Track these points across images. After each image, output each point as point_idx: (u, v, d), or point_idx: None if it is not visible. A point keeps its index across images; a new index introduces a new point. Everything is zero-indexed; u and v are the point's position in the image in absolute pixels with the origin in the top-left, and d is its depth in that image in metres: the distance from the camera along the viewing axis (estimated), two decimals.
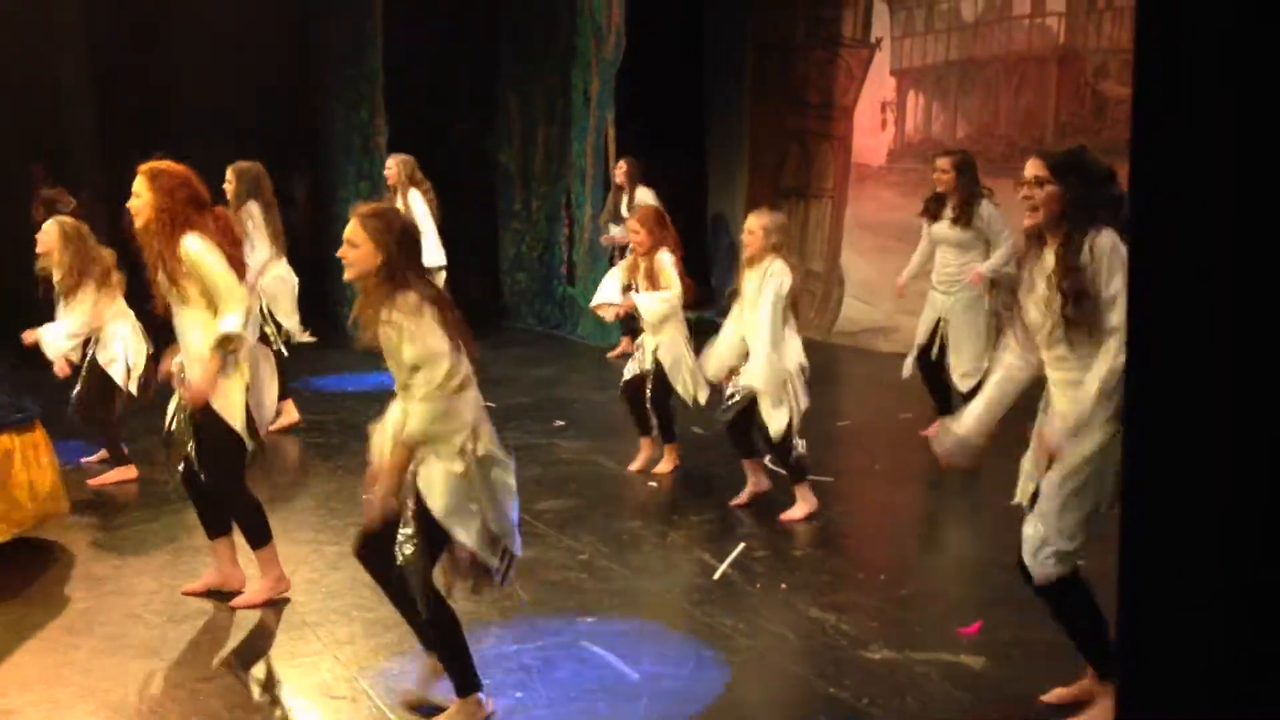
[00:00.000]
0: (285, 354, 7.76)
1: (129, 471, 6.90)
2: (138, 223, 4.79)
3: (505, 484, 3.87)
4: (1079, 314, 3.56)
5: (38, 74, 12.28)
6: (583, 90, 11.73)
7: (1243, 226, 1.47)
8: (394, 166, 9.36)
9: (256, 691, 4.27)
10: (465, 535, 3.77)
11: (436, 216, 9.23)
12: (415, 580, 3.81)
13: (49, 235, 6.77)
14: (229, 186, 7.98)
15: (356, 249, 3.82)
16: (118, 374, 6.69)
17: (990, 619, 4.66)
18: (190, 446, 4.87)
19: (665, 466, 6.93)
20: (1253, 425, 1.52)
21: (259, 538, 4.98)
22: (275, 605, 4.96)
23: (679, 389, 6.67)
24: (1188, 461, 1.58)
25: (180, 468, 5.00)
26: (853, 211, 12.01)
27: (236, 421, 4.75)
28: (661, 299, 6.59)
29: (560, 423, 8.30)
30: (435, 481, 3.76)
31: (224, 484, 4.87)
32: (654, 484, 6.82)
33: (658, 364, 6.68)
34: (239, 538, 5.06)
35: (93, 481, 6.82)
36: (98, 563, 5.56)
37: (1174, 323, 1.53)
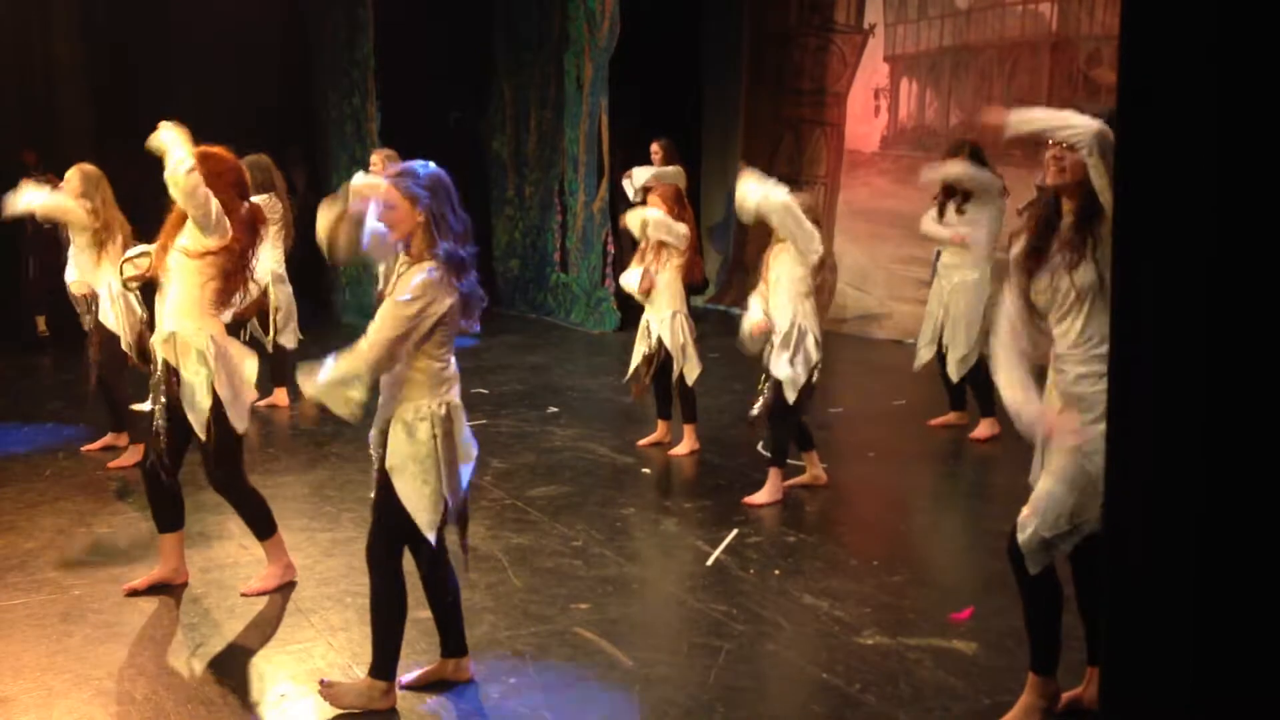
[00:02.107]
0: (269, 351, 7.88)
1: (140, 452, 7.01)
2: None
3: (466, 450, 3.91)
4: (1093, 272, 3.47)
5: (31, 64, 12.23)
6: (575, 76, 11.71)
7: (1230, 218, 1.47)
8: (379, 161, 9.41)
9: (251, 678, 4.27)
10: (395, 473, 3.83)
11: None
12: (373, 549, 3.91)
13: (72, 181, 6.75)
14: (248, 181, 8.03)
15: (393, 210, 3.77)
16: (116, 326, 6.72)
17: (982, 605, 4.68)
18: (164, 439, 4.86)
19: (683, 449, 7.05)
20: (1249, 425, 1.51)
21: (265, 528, 5.00)
22: (276, 591, 4.96)
23: (679, 368, 6.84)
24: (1171, 462, 1.58)
25: (143, 457, 5.03)
26: (845, 198, 12.01)
27: (203, 412, 4.74)
28: (668, 221, 6.78)
29: (553, 409, 8.31)
30: (399, 455, 3.83)
31: (227, 477, 4.88)
32: (647, 470, 6.84)
33: (664, 345, 6.85)
34: (225, 531, 5.09)
35: (112, 464, 6.93)
36: (92, 550, 5.56)
37: (1161, 316, 1.53)
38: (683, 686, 4.07)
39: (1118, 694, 1.66)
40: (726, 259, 13.43)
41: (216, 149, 4.88)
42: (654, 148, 10.97)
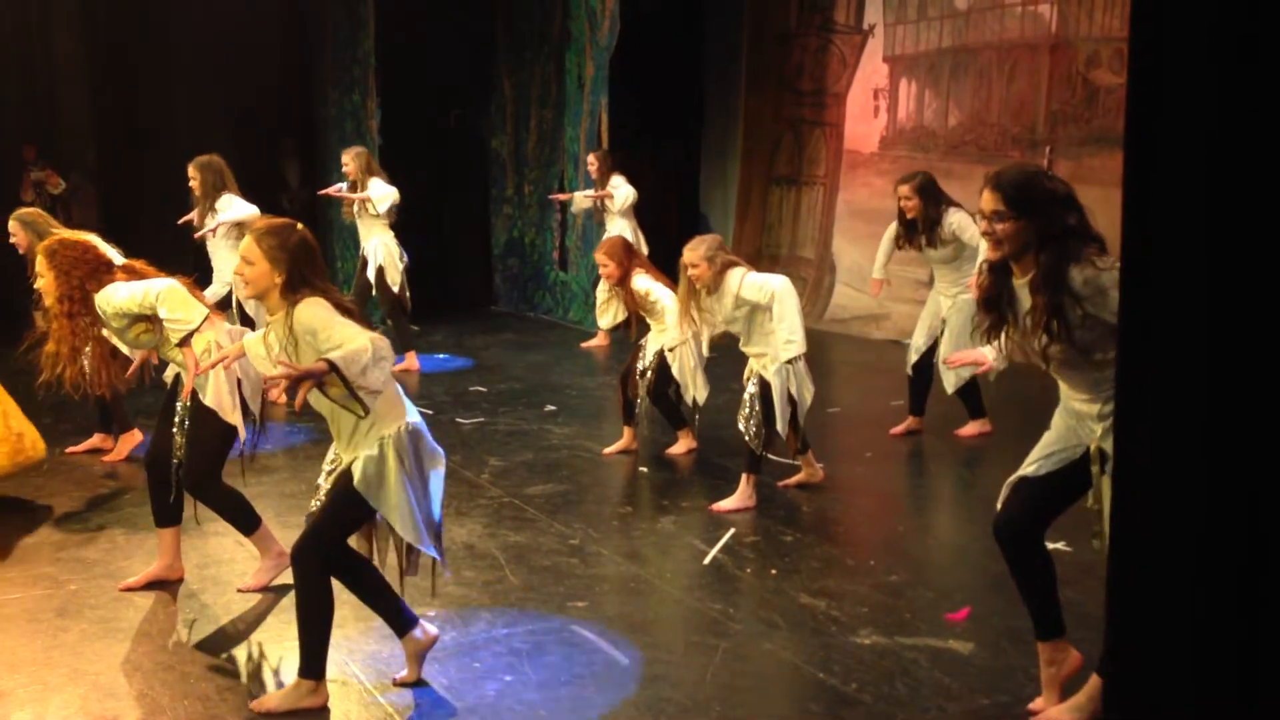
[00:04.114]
0: None
1: (136, 436, 7.07)
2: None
3: (437, 473, 3.92)
4: (1073, 348, 3.46)
5: (33, 61, 12.23)
6: (576, 75, 11.71)
7: (1237, 219, 1.47)
8: (350, 161, 9.42)
9: (246, 674, 4.27)
10: (391, 515, 3.85)
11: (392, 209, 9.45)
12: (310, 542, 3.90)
13: (15, 232, 6.70)
14: (194, 183, 8.07)
15: (252, 266, 3.87)
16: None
17: (979, 605, 4.68)
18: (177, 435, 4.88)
19: (680, 449, 7.03)
20: (1251, 437, 1.50)
21: (247, 524, 5.00)
22: (269, 589, 4.96)
23: (685, 393, 6.75)
24: (1179, 465, 1.57)
25: (148, 452, 5.05)
26: (844, 198, 12.02)
27: (229, 414, 4.76)
28: (671, 326, 6.54)
29: (551, 408, 8.31)
30: (365, 465, 3.82)
31: (200, 480, 4.85)
32: (644, 469, 6.84)
33: (660, 362, 6.73)
34: (222, 527, 5.11)
35: (108, 458, 6.99)
36: (88, 545, 5.56)
37: (1169, 319, 1.53)
38: (679, 685, 4.07)
39: (1121, 698, 1.66)
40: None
41: (63, 237, 5.24)
42: (590, 159, 10.89)
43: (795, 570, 5.17)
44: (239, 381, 4.79)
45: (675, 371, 6.71)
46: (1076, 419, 3.67)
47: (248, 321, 7.80)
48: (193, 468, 4.82)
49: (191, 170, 8.12)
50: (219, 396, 4.75)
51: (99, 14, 12.39)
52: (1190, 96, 1.48)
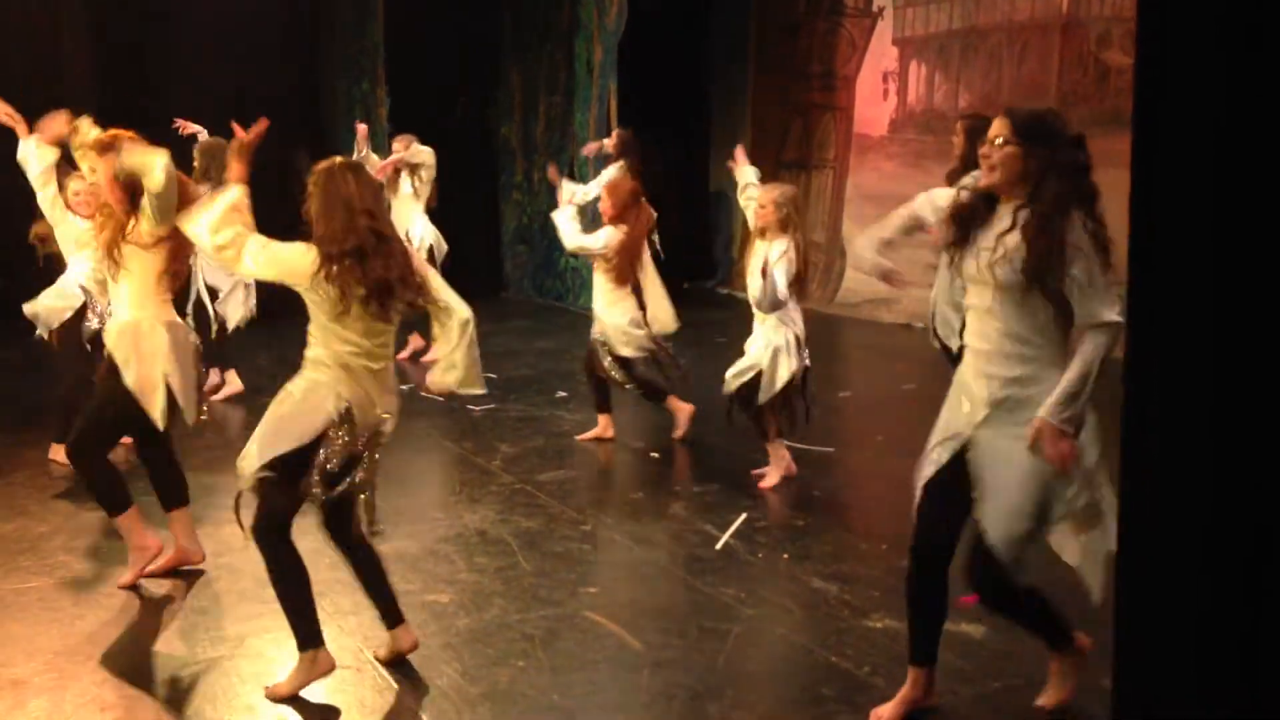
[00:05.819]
0: (217, 337, 7.96)
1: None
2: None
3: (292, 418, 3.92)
4: (1034, 278, 3.32)
5: (34, 56, 12.23)
6: (585, 60, 11.71)
7: (1242, 207, 1.46)
8: (401, 148, 9.46)
9: (263, 661, 4.29)
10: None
11: (434, 193, 9.46)
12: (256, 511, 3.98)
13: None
14: (197, 165, 8.12)
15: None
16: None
17: None
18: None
19: (680, 430, 7.01)
20: (1269, 417, 1.50)
21: (115, 504, 4.92)
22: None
23: (616, 350, 6.82)
24: (1185, 454, 1.57)
25: (137, 437, 5.04)
26: (854, 182, 12.00)
27: (154, 405, 4.74)
28: (571, 222, 6.88)
29: (562, 394, 8.32)
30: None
31: (86, 445, 4.82)
32: (655, 455, 6.85)
33: (603, 336, 6.83)
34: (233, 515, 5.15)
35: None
36: (102, 533, 5.58)
37: (1174, 307, 1.52)
38: (692, 670, 4.09)
39: (1130, 688, 1.66)
40: (727, 238, 13.40)
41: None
42: (614, 136, 10.88)
43: (807, 555, 5.18)
44: (166, 376, 4.76)
45: (609, 337, 6.78)
46: (967, 395, 3.59)
47: (203, 310, 7.83)
48: (85, 430, 4.80)
49: (196, 153, 8.18)
50: (140, 383, 4.73)
51: (103, 14, 12.39)
52: (1196, 85, 1.48)
